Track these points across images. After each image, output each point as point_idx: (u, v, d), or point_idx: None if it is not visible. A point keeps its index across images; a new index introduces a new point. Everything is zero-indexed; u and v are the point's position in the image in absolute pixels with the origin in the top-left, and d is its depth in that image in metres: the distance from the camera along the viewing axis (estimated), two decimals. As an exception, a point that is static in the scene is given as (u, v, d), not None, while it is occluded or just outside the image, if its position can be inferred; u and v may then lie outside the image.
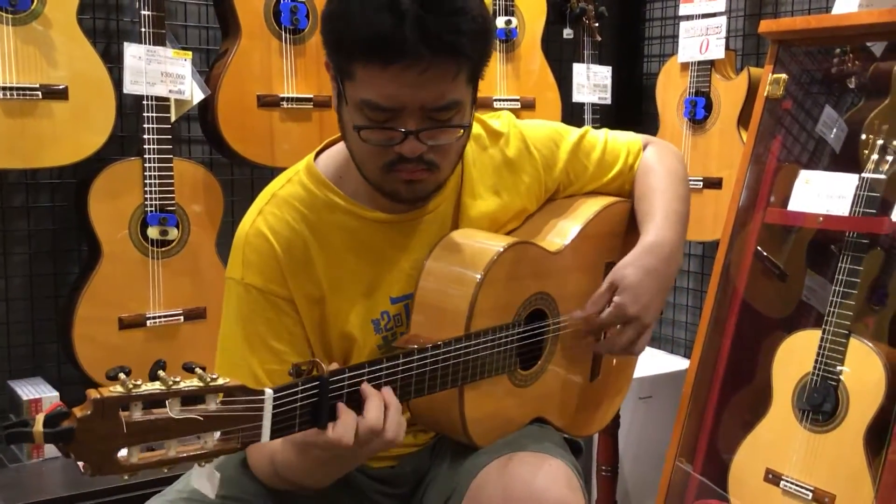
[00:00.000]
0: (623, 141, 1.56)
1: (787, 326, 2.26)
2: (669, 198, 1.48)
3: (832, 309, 2.01)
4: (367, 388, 1.11)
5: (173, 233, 2.23)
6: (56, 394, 2.15)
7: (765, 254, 2.34)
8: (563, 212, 1.47)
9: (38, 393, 2.15)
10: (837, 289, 2.01)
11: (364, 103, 1.17)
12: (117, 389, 0.90)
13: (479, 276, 1.25)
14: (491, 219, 1.39)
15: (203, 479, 1.04)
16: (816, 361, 2.02)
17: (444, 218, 1.37)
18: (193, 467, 1.03)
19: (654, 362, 2.89)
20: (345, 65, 1.18)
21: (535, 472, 1.20)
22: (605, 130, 1.57)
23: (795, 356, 2.08)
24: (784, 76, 2.27)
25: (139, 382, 0.92)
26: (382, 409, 1.10)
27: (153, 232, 2.20)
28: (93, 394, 0.90)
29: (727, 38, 2.65)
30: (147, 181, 2.18)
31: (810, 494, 1.98)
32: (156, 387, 0.93)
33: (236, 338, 1.29)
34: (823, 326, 2.01)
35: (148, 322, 2.21)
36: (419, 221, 1.34)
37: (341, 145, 1.33)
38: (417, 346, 1.17)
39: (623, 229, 1.54)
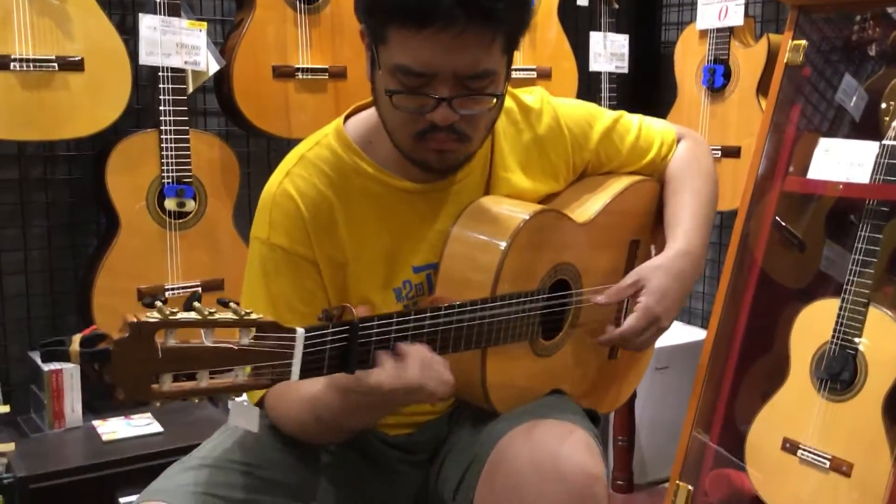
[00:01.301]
0: (657, 129, 1.54)
1: (804, 297, 2.24)
2: (701, 202, 1.48)
3: (851, 278, 1.99)
4: (402, 345, 1.12)
5: (190, 204, 2.24)
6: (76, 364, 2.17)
7: (783, 224, 2.32)
8: (592, 185, 1.47)
9: (58, 364, 2.17)
10: (857, 257, 1.99)
11: (397, 68, 1.16)
12: (154, 315, 0.91)
13: (505, 242, 1.25)
14: (518, 194, 1.39)
15: (241, 415, 1.05)
16: (835, 330, 2.01)
17: (473, 189, 1.36)
18: (230, 407, 1.03)
19: (670, 333, 2.86)
20: (379, 28, 1.17)
21: (559, 438, 1.20)
22: (639, 116, 1.55)
23: (814, 325, 2.07)
24: (804, 42, 2.24)
25: (175, 311, 0.92)
26: (420, 363, 1.11)
27: (170, 203, 2.20)
28: (130, 317, 0.90)
29: (746, 5, 2.62)
30: (164, 153, 2.19)
31: (828, 463, 1.97)
32: (192, 316, 0.93)
33: (260, 296, 1.29)
34: (842, 295, 2.00)
35: (166, 293, 2.22)
36: (447, 192, 1.34)
37: (371, 111, 1.32)
38: (446, 304, 1.18)
39: (649, 209, 1.53)
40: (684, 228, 1.44)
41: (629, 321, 1.37)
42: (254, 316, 0.96)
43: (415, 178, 1.31)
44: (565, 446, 1.18)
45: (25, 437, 2.14)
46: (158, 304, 0.92)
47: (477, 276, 1.26)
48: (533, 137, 1.41)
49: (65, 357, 0.90)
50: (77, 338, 0.90)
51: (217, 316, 0.94)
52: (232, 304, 0.96)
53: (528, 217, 1.28)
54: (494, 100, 1.22)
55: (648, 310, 1.36)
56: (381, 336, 1.11)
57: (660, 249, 1.47)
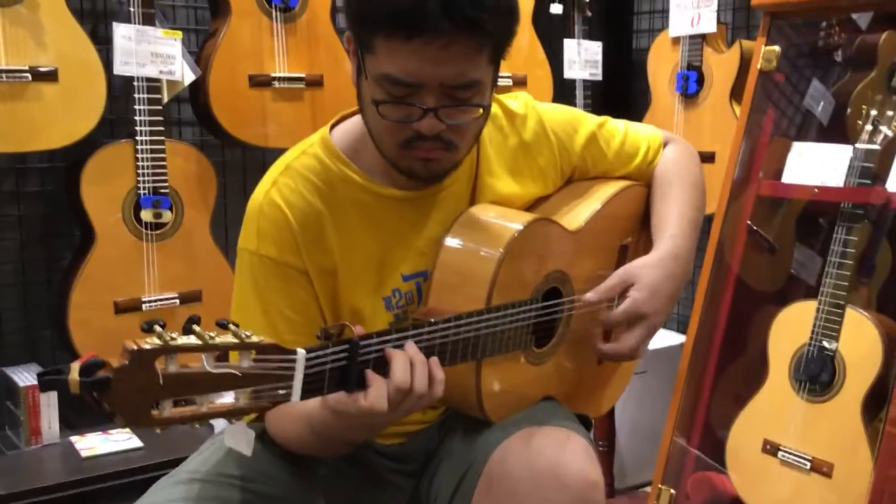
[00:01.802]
0: (644, 134, 1.55)
1: (777, 300, 2.27)
2: (688, 207, 1.48)
3: (828, 280, 2.02)
4: (389, 350, 1.11)
5: (167, 215, 2.21)
6: (53, 380, 2.13)
7: (755, 228, 2.34)
8: (581, 192, 1.47)
9: (34, 380, 2.13)
10: (833, 259, 2.01)
11: (384, 77, 1.16)
12: (154, 341, 0.89)
13: (500, 252, 1.25)
14: (505, 200, 1.39)
15: (237, 437, 1.04)
16: (812, 332, 2.03)
17: (460, 196, 1.36)
18: (224, 430, 1.01)
19: (647, 337, 2.90)
20: (366, 37, 1.17)
21: (558, 445, 1.20)
22: (624, 122, 1.55)
23: (791, 328, 2.09)
24: (777, 49, 2.26)
25: (175, 335, 0.91)
26: (408, 367, 1.10)
27: (147, 215, 2.18)
28: (130, 344, 0.88)
29: (718, 12, 2.65)
30: (140, 163, 2.16)
31: (808, 464, 1.99)
32: (192, 341, 0.91)
33: (252, 307, 1.28)
34: (819, 297, 2.02)
35: (143, 306, 2.19)
36: (434, 199, 1.34)
37: (357, 119, 1.31)
38: (442, 317, 1.17)
39: (638, 213, 1.53)
40: (671, 233, 1.45)
41: (615, 310, 1.37)
42: (254, 339, 0.95)
43: (402, 185, 1.31)
44: (565, 454, 1.18)
45: (1, 454, 2.10)
46: (157, 328, 0.90)
47: (471, 287, 1.25)
48: (519, 142, 1.41)
49: (64, 386, 0.87)
50: (76, 366, 0.87)
51: (217, 340, 0.92)
52: (231, 326, 0.95)
53: (521, 227, 1.28)
54: (481, 109, 1.22)
55: (635, 302, 1.36)
56: (380, 353, 1.10)
57: (646, 252, 1.48)
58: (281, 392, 0.99)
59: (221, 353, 0.94)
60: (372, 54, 1.17)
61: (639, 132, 1.55)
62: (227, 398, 0.96)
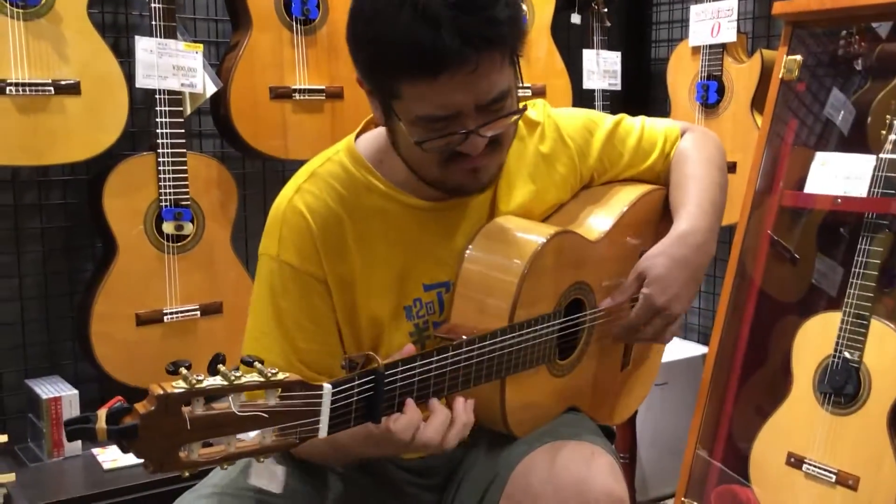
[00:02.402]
0: (661, 128, 1.54)
1: (798, 310, 2.25)
2: (705, 185, 1.45)
3: (852, 291, 2.00)
4: (434, 403, 1.12)
5: (188, 227, 2.22)
6: (75, 392, 2.14)
7: (776, 238, 2.33)
8: (600, 200, 1.46)
9: (56, 391, 2.14)
10: (857, 270, 2.00)
11: (420, 119, 1.16)
12: (180, 385, 0.89)
13: (524, 267, 1.24)
14: (526, 209, 1.38)
15: (264, 476, 1.03)
16: (837, 344, 2.01)
17: (481, 205, 1.36)
18: (251, 471, 1.01)
19: (668, 349, 2.87)
20: (388, 85, 1.16)
21: (583, 461, 1.20)
22: (642, 118, 1.54)
23: (815, 339, 2.07)
24: (799, 58, 2.25)
25: (201, 377, 0.90)
26: (446, 426, 1.12)
27: (168, 227, 2.19)
28: (156, 389, 0.88)
29: (738, 21, 2.64)
30: (161, 176, 2.17)
31: (834, 477, 1.97)
32: (217, 381, 0.91)
33: (267, 313, 1.28)
34: (843, 308, 2.00)
35: (165, 318, 2.20)
36: (456, 209, 1.33)
37: (382, 128, 1.31)
38: (466, 338, 1.16)
39: (659, 217, 1.52)
40: (686, 211, 1.42)
41: (632, 313, 1.36)
42: (280, 376, 0.94)
43: (425, 195, 1.30)
44: (590, 470, 1.17)
45: (24, 466, 2.10)
46: (183, 370, 0.90)
47: (495, 301, 1.25)
48: (538, 150, 1.41)
49: (92, 435, 0.87)
50: (102, 414, 0.87)
51: (244, 380, 0.92)
52: (257, 364, 0.94)
53: (544, 240, 1.27)
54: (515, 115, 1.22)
55: (648, 299, 1.34)
56: (405, 381, 1.10)
57: None
58: (308, 428, 0.99)
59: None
60: (398, 99, 1.16)
61: (656, 127, 1.53)
62: (254, 436, 0.95)
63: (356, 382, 1.04)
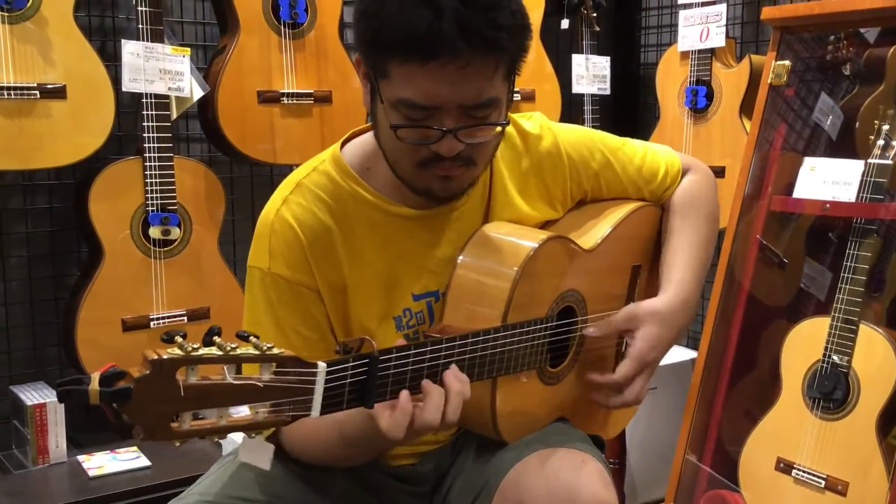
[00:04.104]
0: (663, 158, 1.52)
1: (787, 315, 2.25)
2: (699, 245, 1.47)
3: (840, 296, 2.00)
4: (427, 384, 1.11)
5: (175, 232, 2.20)
6: (60, 398, 2.12)
7: (765, 242, 2.33)
8: (595, 212, 1.46)
9: (41, 398, 2.12)
10: (846, 275, 2.00)
11: (401, 102, 1.15)
12: (175, 351, 0.88)
13: (516, 271, 1.24)
14: (518, 219, 1.38)
15: (254, 452, 1.02)
16: (826, 349, 2.01)
17: (473, 215, 1.35)
18: (240, 445, 0.99)
19: (657, 353, 2.88)
20: (379, 63, 1.15)
21: (574, 469, 1.19)
22: (644, 144, 1.53)
23: (804, 344, 2.08)
24: (787, 63, 2.26)
25: (196, 346, 0.89)
26: (442, 404, 1.10)
27: (155, 232, 2.17)
28: (150, 354, 0.86)
29: (727, 26, 2.64)
30: (148, 180, 2.15)
31: (823, 482, 1.97)
32: (213, 352, 0.90)
33: (265, 321, 1.27)
34: (832, 313, 2.01)
35: (151, 323, 2.18)
36: (446, 218, 1.32)
37: (368, 136, 1.30)
38: (460, 333, 1.16)
39: (651, 234, 1.52)
40: (682, 276, 1.43)
41: (622, 368, 1.35)
42: (275, 350, 0.94)
43: (413, 204, 1.30)
44: (580, 477, 1.17)
45: (8, 473, 2.08)
46: (179, 339, 0.89)
47: (487, 305, 1.24)
48: (531, 163, 1.40)
49: (83, 397, 0.86)
50: (96, 376, 0.86)
51: (239, 351, 0.91)
52: (252, 339, 0.94)
53: (537, 245, 1.27)
54: (499, 127, 1.21)
55: (642, 356, 1.35)
56: (398, 368, 1.09)
57: (655, 285, 1.46)
58: (301, 405, 0.98)
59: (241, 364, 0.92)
60: (387, 79, 1.16)
61: (657, 157, 1.52)
62: (246, 412, 0.95)
63: (350, 364, 1.03)
